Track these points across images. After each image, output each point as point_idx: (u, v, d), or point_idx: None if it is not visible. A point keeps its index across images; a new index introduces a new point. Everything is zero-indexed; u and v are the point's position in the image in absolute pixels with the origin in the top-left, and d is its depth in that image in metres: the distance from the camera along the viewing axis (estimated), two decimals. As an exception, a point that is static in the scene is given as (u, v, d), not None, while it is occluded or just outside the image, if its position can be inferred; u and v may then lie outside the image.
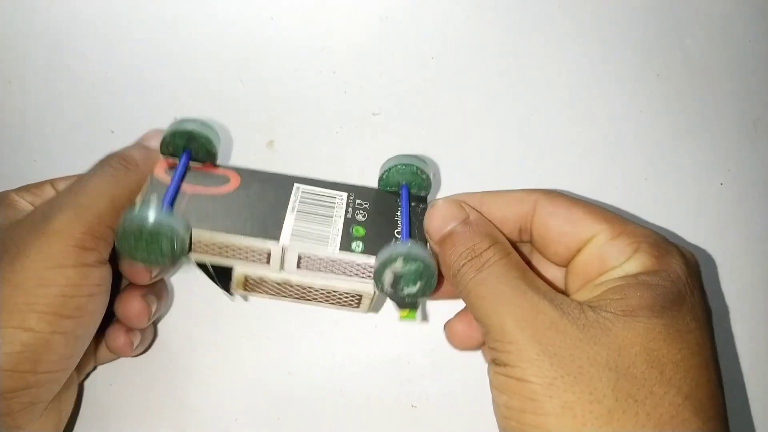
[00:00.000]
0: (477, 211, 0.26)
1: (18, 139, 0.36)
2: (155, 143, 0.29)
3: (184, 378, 0.32)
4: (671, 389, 0.21)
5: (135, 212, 0.24)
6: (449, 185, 0.35)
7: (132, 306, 0.30)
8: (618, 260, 0.24)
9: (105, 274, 0.26)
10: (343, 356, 0.33)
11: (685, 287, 0.23)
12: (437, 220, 0.26)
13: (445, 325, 0.29)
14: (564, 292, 0.25)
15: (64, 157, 0.36)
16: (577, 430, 0.20)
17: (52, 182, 0.30)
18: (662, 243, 0.24)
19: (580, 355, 0.21)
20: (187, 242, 0.25)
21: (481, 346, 0.29)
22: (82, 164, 0.36)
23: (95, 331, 0.27)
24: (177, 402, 0.32)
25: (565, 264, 0.26)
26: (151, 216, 0.24)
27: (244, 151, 0.36)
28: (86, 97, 0.37)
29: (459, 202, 0.26)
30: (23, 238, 0.25)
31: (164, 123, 0.36)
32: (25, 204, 0.28)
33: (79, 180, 0.27)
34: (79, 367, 0.30)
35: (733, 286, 0.35)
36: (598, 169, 0.37)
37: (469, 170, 0.36)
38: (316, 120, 0.37)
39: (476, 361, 0.32)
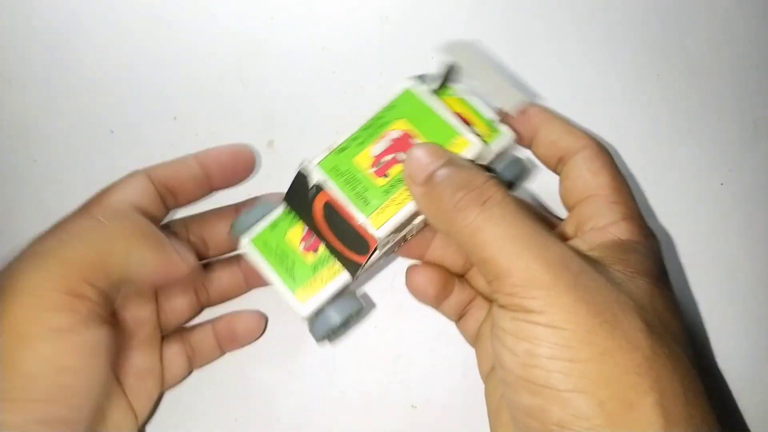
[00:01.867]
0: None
1: (18, 139, 0.36)
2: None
3: (192, 371, 0.32)
4: (680, 352, 0.21)
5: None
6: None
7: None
8: (606, 220, 0.25)
9: (90, 338, 0.22)
10: (343, 356, 0.33)
11: (664, 267, 0.24)
12: (419, 161, 0.23)
13: (408, 271, 0.29)
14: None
15: (64, 157, 0.36)
16: (617, 378, 0.19)
17: (89, 212, 0.26)
18: (646, 225, 0.25)
19: (613, 304, 0.20)
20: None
21: (440, 304, 0.29)
22: (81, 164, 0.36)
23: (94, 407, 0.23)
24: (177, 402, 0.32)
25: (568, 205, 0.28)
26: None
27: (244, 151, 0.36)
28: (86, 97, 0.37)
29: (440, 146, 0.24)
30: None
31: (164, 123, 0.36)
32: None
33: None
34: (168, 376, 0.29)
35: (733, 285, 0.35)
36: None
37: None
38: (316, 120, 0.37)
39: (476, 360, 0.32)
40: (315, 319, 0.26)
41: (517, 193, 0.34)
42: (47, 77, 0.37)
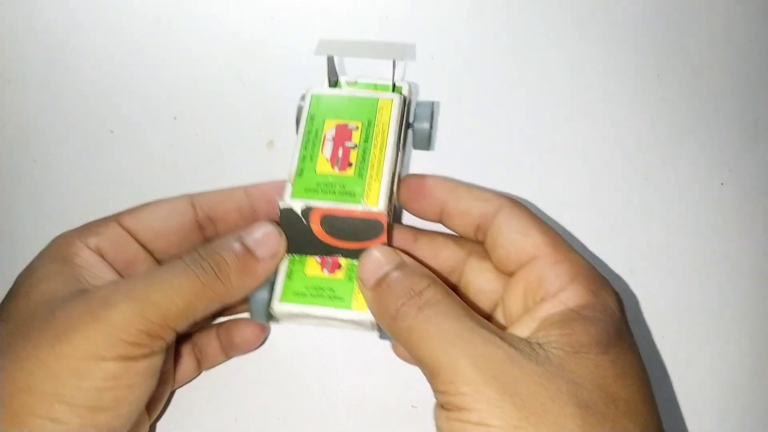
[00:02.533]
0: (410, 255, 0.26)
1: (18, 139, 0.36)
2: (264, 252, 0.26)
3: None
4: (629, 424, 0.20)
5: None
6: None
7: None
8: (554, 286, 0.24)
9: (153, 363, 0.24)
10: (343, 356, 0.33)
11: (620, 323, 0.23)
12: (370, 265, 0.25)
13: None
14: (504, 328, 0.25)
15: (64, 157, 0.36)
16: None
17: (118, 219, 0.28)
18: (597, 277, 0.24)
19: (542, 393, 0.20)
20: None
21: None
22: (82, 164, 0.36)
23: (136, 416, 0.25)
24: (177, 402, 0.32)
25: (506, 272, 0.26)
26: None
27: (244, 151, 0.36)
28: (86, 97, 0.37)
29: (393, 249, 0.26)
30: (74, 319, 0.23)
31: (164, 123, 0.36)
32: (87, 256, 0.26)
33: (161, 270, 0.25)
34: (178, 378, 0.30)
35: (734, 285, 0.35)
36: (598, 169, 0.37)
37: (468, 170, 0.36)
38: (316, 120, 0.37)
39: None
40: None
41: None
42: (47, 77, 0.37)
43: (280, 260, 0.26)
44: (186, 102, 0.37)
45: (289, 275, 0.27)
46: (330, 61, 0.29)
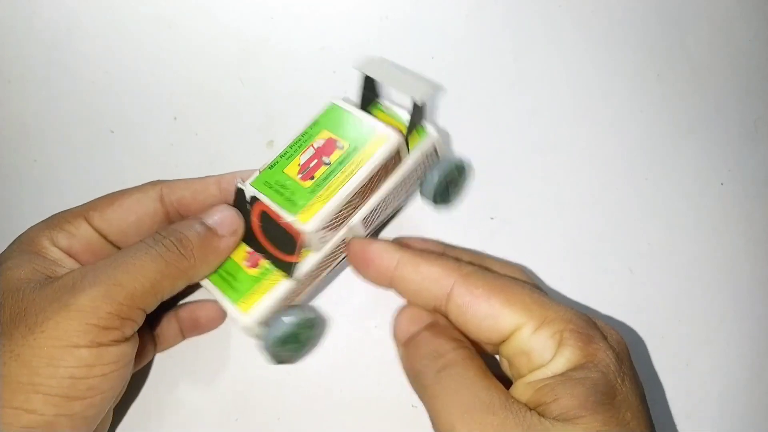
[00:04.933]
0: (445, 317, 0.26)
1: (18, 139, 0.36)
2: (225, 229, 0.26)
3: (184, 378, 0.32)
4: None
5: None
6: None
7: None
8: (543, 356, 0.23)
9: (125, 350, 0.24)
10: (343, 356, 0.33)
11: (614, 376, 0.22)
12: (403, 324, 0.26)
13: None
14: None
15: (64, 157, 0.36)
16: None
17: (87, 218, 0.28)
18: (585, 329, 0.23)
19: None
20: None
21: None
22: (82, 164, 0.36)
23: (111, 405, 0.26)
24: (177, 402, 0.32)
25: (494, 347, 0.26)
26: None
27: (244, 151, 0.36)
28: (86, 97, 0.37)
29: (425, 310, 0.26)
30: (44, 309, 0.23)
31: (164, 123, 0.36)
32: (56, 253, 0.26)
33: (125, 252, 0.25)
34: (136, 360, 0.29)
35: (734, 285, 0.35)
36: (598, 169, 0.37)
37: (468, 170, 0.36)
38: (316, 120, 0.37)
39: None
40: (264, 332, 0.27)
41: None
42: (47, 77, 0.37)
43: (240, 238, 0.27)
44: (186, 102, 0.37)
45: None
46: (367, 79, 0.29)
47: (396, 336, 0.26)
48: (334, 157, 0.27)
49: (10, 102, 0.37)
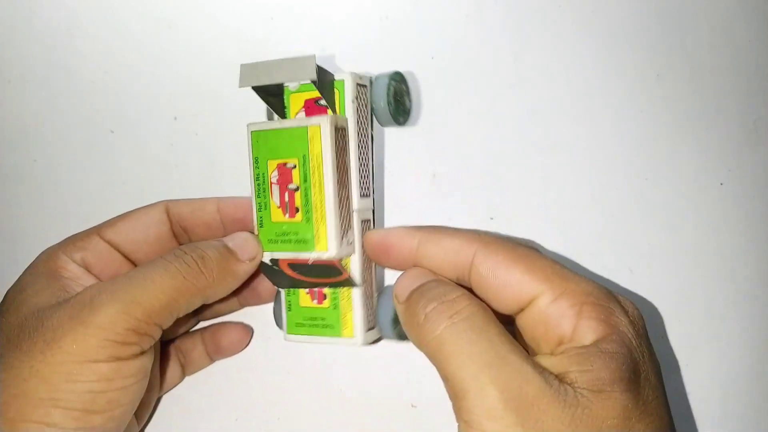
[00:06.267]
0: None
1: (18, 139, 0.36)
2: (244, 254, 0.27)
3: (184, 378, 0.32)
4: None
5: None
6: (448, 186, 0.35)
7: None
8: (562, 327, 0.22)
9: (143, 363, 0.25)
10: (343, 356, 0.33)
11: (637, 352, 0.22)
12: (405, 281, 0.25)
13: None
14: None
15: (64, 157, 0.36)
16: None
17: (99, 232, 0.28)
18: (606, 302, 0.23)
19: None
20: None
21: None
22: (82, 164, 0.36)
23: (129, 417, 0.26)
24: (177, 402, 0.32)
25: (511, 314, 0.25)
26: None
27: (245, 151, 0.36)
28: (86, 97, 0.37)
29: (430, 270, 0.25)
30: (62, 325, 0.23)
31: (164, 123, 0.36)
32: (74, 269, 0.27)
33: (143, 268, 0.25)
34: (164, 384, 0.30)
35: (734, 285, 0.35)
36: (598, 169, 0.37)
37: (468, 170, 0.36)
38: (316, 120, 0.37)
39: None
40: (379, 324, 0.28)
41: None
42: (47, 77, 0.37)
43: (257, 265, 0.27)
44: (186, 102, 0.37)
45: (288, 307, 0.29)
46: (257, 89, 0.28)
47: (396, 294, 0.25)
48: (296, 178, 0.27)
49: (10, 102, 0.37)
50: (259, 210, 0.27)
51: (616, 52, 0.38)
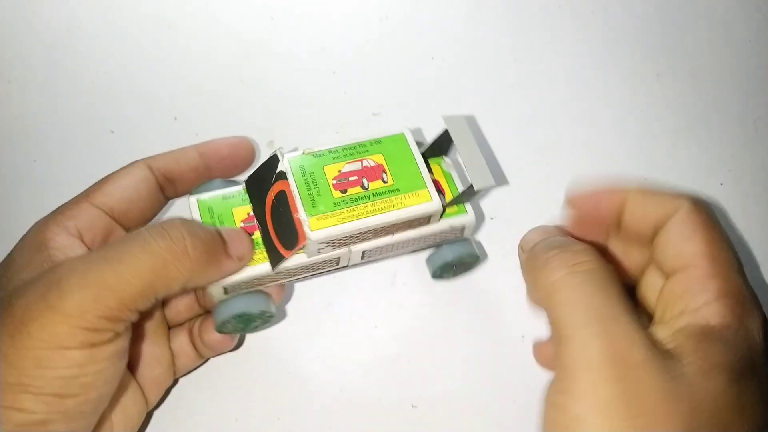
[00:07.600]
0: None
1: (18, 139, 0.36)
2: (235, 250, 0.26)
3: (184, 378, 0.32)
4: None
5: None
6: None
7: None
8: (697, 300, 0.22)
9: (118, 346, 0.23)
10: (343, 356, 0.33)
11: (758, 356, 0.21)
12: (532, 235, 0.25)
13: (534, 346, 0.28)
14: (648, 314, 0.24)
15: (64, 157, 0.36)
16: None
17: (88, 198, 0.27)
18: (747, 300, 0.23)
19: (658, 409, 0.19)
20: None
21: None
22: (82, 164, 0.36)
23: (107, 398, 0.24)
24: (178, 401, 0.32)
25: (664, 273, 0.24)
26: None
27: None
28: (86, 97, 0.37)
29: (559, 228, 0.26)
30: (30, 306, 0.22)
31: (164, 123, 0.36)
32: (63, 240, 0.25)
33: (120, 243, 0.23)
34: (152, 389, 0.29)
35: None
36: (599, 169, 0.37)
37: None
38: (316, 120, 0.37)
39: (476, 360, 0.32)
40: (221, 303, 0.27)
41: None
42: (47, 77, 0.37)
43: (243, 266, 0.26)
44: (186, 102, 0.37)
45: (226, 197, 0.28)
46: (445, 136, 0.29)
47: (521, 245, 0.25)
48: (375, 185, 0.27)
49: (10, 102, 0.37)
50: (329, 152, 0.27)
51: (616, 52, 0.38)
